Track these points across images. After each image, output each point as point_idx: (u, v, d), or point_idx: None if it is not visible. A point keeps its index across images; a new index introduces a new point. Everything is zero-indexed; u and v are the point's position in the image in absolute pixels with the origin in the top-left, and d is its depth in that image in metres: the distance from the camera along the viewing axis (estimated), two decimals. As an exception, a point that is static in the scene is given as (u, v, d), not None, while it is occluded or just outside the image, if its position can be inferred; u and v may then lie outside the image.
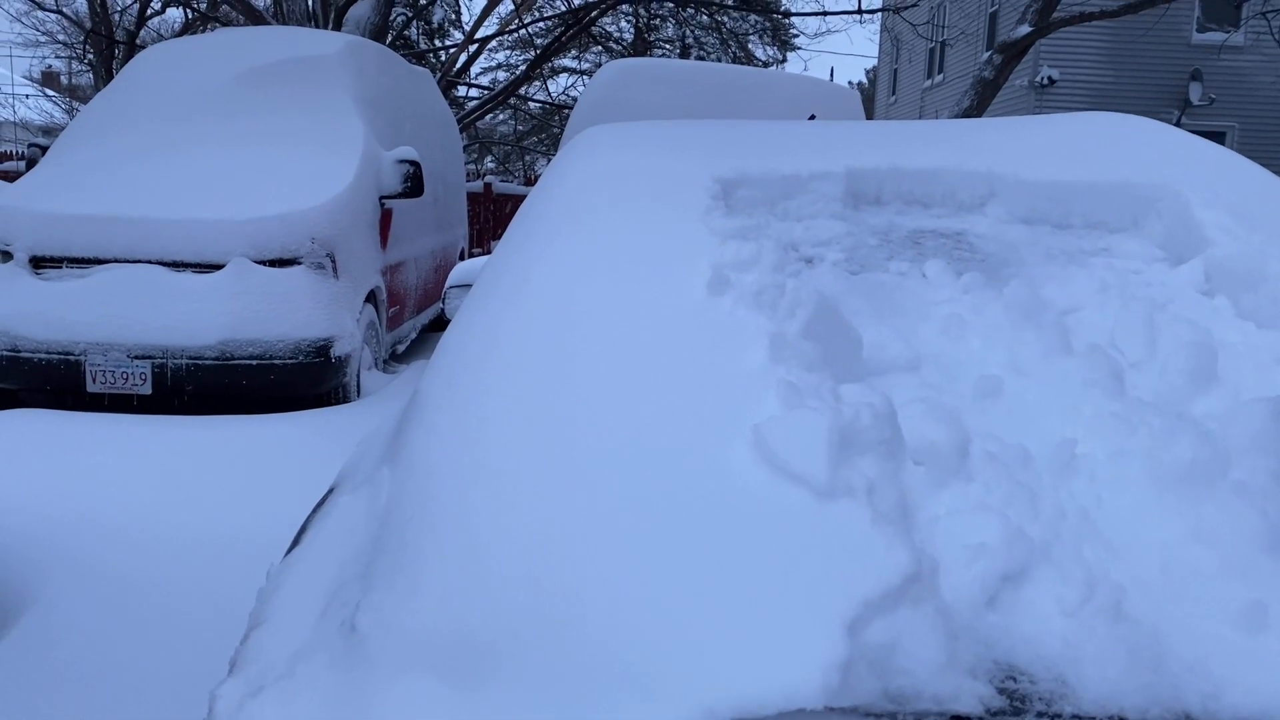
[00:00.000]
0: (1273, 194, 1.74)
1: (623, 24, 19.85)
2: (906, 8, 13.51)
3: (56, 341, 5.21)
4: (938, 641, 0.79)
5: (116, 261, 5.35)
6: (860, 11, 13.22)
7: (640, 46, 21.38)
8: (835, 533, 0.84)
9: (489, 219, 12.39)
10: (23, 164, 12.51)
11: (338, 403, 5.68)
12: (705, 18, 19.44)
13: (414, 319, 7.73)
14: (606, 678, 0.74)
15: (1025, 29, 10.56)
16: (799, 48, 20.69)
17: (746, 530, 0.85)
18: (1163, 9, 11.47)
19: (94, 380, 5.23)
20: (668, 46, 22.19)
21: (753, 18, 20.44)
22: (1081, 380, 1.22)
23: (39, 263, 5.41)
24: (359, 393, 5.91)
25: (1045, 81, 15.92)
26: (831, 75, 23.69)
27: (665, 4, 16.73)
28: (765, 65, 21.77)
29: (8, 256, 5.43)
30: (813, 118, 4.32)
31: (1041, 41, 12.65)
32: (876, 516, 0.87)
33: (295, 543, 1.33)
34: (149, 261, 5.35)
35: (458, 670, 0.77)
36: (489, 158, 23.75)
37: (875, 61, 28.29)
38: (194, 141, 5.92)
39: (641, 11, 18.22)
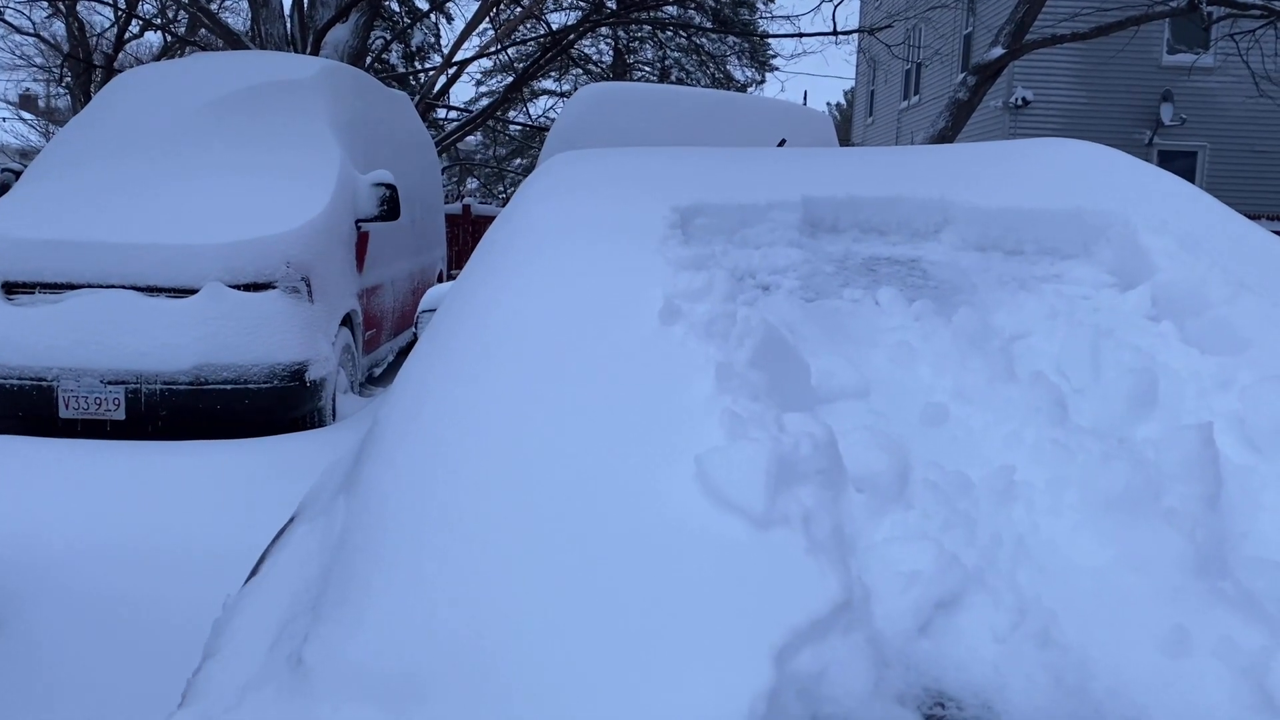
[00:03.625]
0: (1220, 222, 1.77)
1: (602, 46, 19.99)
2: (881, 29, 13.67)
3: (28, 367, 5.17)
4: (867, 669, 0.81)
5: (90, 286, 5.32)
6: (835, 33, 13.37)
7: (620, 68, 21.51)
8: (769, 562, 0.86)
9: (468, 240, 12.42)
10: (-2, 188, 12.46)
11: (313, 427, 5.66)
12: (684, 39, 19.60)
13: (390, 342, 7.72)
14: (533, 712, 0.75)
15: (998, 51, 10.71)
16: (777, 68, 20.84)
17: (683, 562, 0.87)
18: (1133, 31, 11.65)
19: (66, 406, 5.19)
20: (647, 68, 22.33)
21: (730, 39, 20.61)
22: (1025, 407, 1.25)
23: (11, 288, 5.37)
24: (334, 417, 5.90)
25: (1019, 102, 16.12)
26: (805, 99, 23.90)
27: (644, 27, 16.86)
28: (744, 86, 21.93)
29: (-21, 282, 5.40)
30: (783, 142, 4.36)
31: (1016, 63, 12.83)
32: (811, 545, 0.89)
33: (254, 572, 1.34)
34: (122, 286, 5.32)
35: (395, 700, 0.78)
36: (471, 179, 23.81)
37: (853, 83, 28.57)
38: (168, 166, 5.92)
39: (620, 34, 18.35)
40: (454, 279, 6.98)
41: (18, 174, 6.52)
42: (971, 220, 1.72)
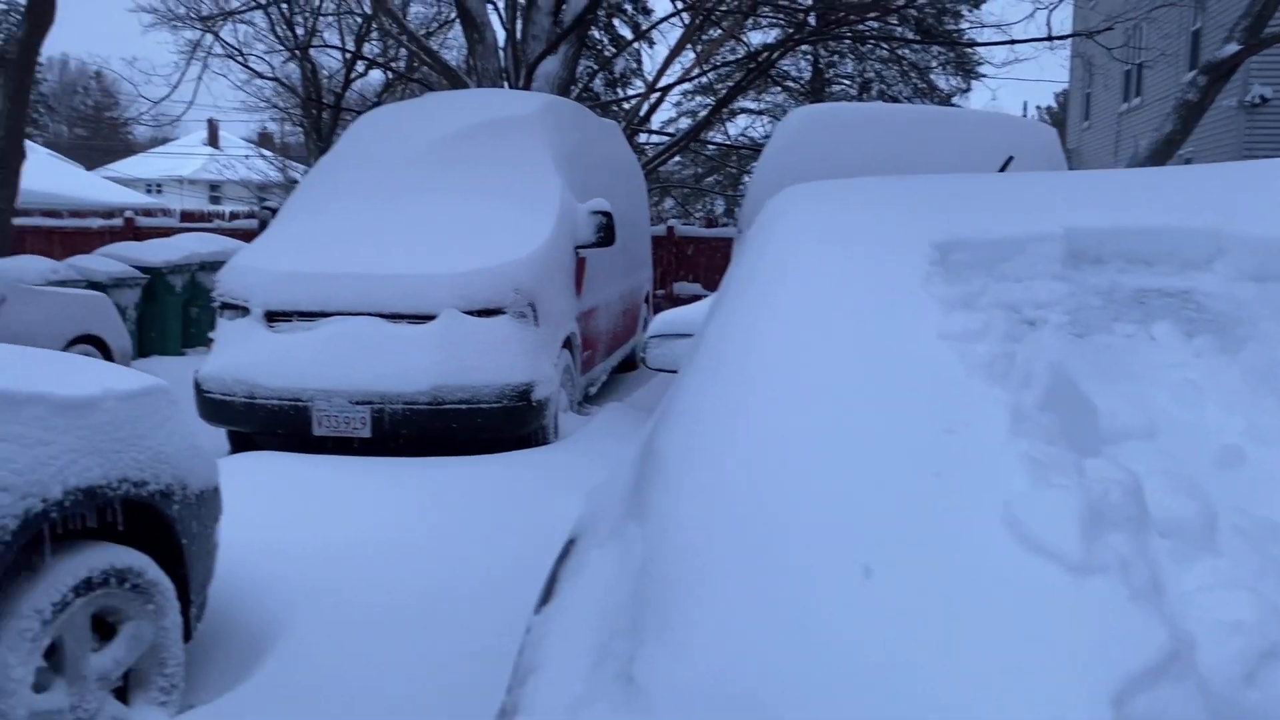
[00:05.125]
0: None
1: (801, 63, 19.90)
2: (1099, 31, 13.01)
3: (288, 389, 5.65)
4: (1200, 717, 0.82)
5: (340, 314, 5.78)
6: (1051, 38, 12.81)
7: (818, 84, 21.34)
8: (1093, 608, 0.88)
9: (672, 261, 12.64)
10: (252, 221, 13.71)
11: (538, 444, 5.93)
12: (885, 51, 19.26)
13: (605, 361, 7.98)
14: None
15: (1233, 47, 9.99)
16: (984, 76, 20.13)
17: (1003, 603, 0.90)
18: (1394, 17, 10.60)
19: (320, 424, 5.64)
20: (846, 82, 22.03)
21: (935, 49, 20.09)
22: (1331, 450, 1.20)
23: (272, 316, 5.90)
24: (556, 434, 6.15)
25: (1257, 100, 14.94)
26: (1025, 110, 22.75)
27: (844, 41, 16.67)
28: (948, 96, 21.27)
29: (245, 311, 5.96)
30: (1010, 160, 4.25)
31: (1252, 59, 11.92)
32: (1132, 593, 0.90)
33: (548, 594, 1.45)
34: (369, 314, 5.75)
35: (721, 715, 0.85)
36: (668, 200, 24.18)
37: (1065, 85, 27.23)
38: (408, 201, 6.36)
39: (821, 50, 18.23)
40: (678, 302, 7.07)
41: (274, 211, 7.17)
42: (1248, 249, 1.65)
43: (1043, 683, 0.82)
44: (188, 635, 2.88)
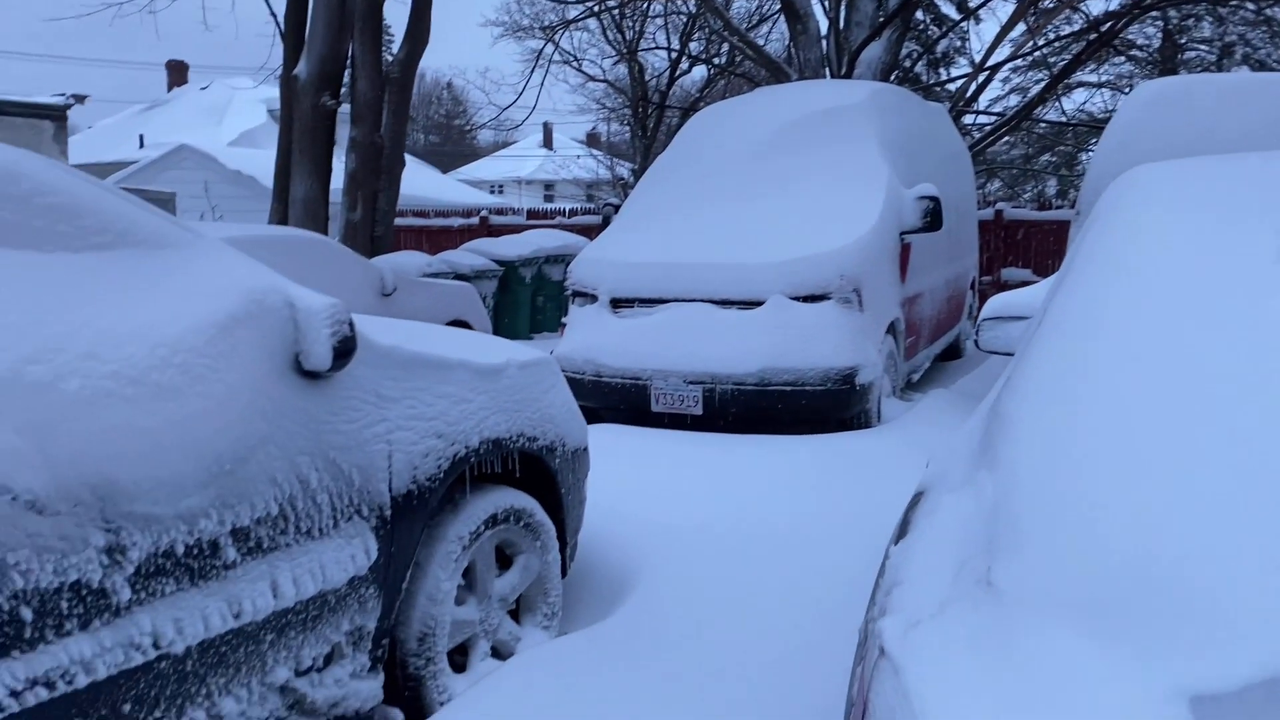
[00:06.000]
0: None
1: (1149, 29, 18.36)
2: None
3: (629, 369, 6.19)
4: None
5: (676, 301, 6.24)
6: None
7: (1169, 52, 19.60)
8: None
9: (999, 246, 12.22)
10: (590, 217, 14.80)
11: (859, 427, 6.08)
12: (1250, 11, 17.37)
13: (928, 348, 7.95)
14: (1193, 631, 0.94)
15: None
16: (1375, 30, 17.59)
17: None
18: None
19: (657, 401, 6.13)
20: (1203, 48, 20.05)
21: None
22: None
23: (616, 303, 6.46)
24: (879, 418, 6.26)
25: None
26: None
27: (1200, 2, 15.22)
28: (1328, 56, 18.82)
29: (593, 299, 6.57)
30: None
31: None
32: None
33: (902, 532, 1.67)
34: (701, 300, 6.17)
35: (1088, 622, 1.02)
36: (994, 181, 23.15)
37: None
38: (739, 193, 6.71)
39: (1171, 14, 16.75)
40: (1005, 288, 6.95)
41: (616, 208, 7.79)
42: None
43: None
44: (563, 572, 3.34)
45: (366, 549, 2.48)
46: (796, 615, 3.23)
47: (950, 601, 1.22)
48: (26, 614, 1.75)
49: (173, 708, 2.04)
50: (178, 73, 32.79)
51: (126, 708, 1.94)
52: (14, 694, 1.73)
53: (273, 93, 30.23)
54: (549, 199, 47.00)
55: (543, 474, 3.23)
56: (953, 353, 9.38)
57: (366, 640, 2.55)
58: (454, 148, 54.75)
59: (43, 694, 1.77)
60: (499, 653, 3.06)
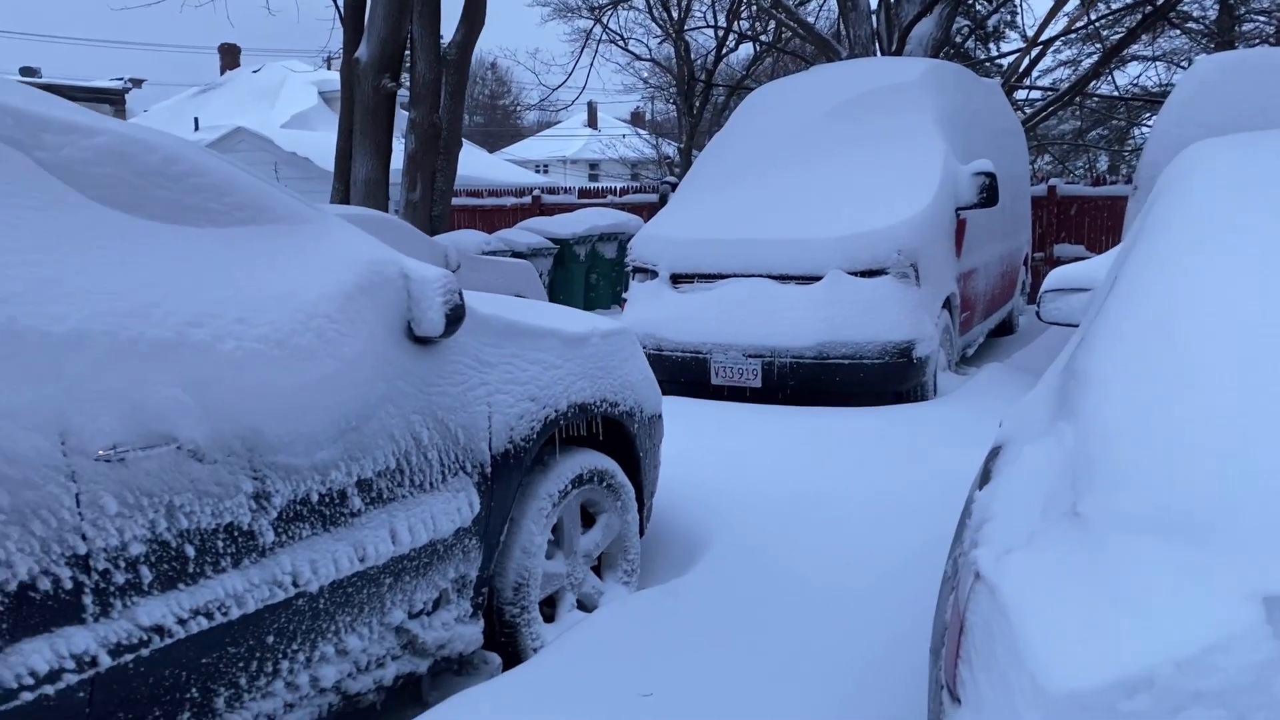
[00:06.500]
0: None
1: (1205, 1, 18.05)
2: None
3: (689, 343, 6.35)
4: None
5: (734, 276, 6.39)
6: None
7: (1227, 23, 19.25)
8: None
9: (1052, 222, 12.18)
10: (639, 195, 14.94)
11: (916, 400, 6.20)
12: (1310, -20, 17.04)
13: (982, 324, 8.02)
14: (1266, 543, 1.09)
15: None
16: None
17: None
18: None
19: (717, 375, 6.29)
20: (1261, 19, 19.66)
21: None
22: None
23: (676, 279, 6.62)
24: (935, 392, 6.37)
25: None
26: None
27: (1259, -27, 14.97)
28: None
29: (654, 274, 6.73)
30: None
31: None
32: None
33: (985, 480, 1.81)
34: (760, 275, 6.31)
35: (1169, 533, 1.17)
36: (1044, 156, 22.88)
37: None
38: (796, 169, 6.82)
39: (1229, -15, 16.47)
40: (1058, 264, 6.99)
41: (673, 186, 7.93)
42: None
43: None
44: (640, 531, 3.52)
45: (470, 502, 2.67)
46: (857, 576, 3.38)
47: (1039, 532, 1.37)
48: (190, 551, 1.96)
49: (307, 641, 2.25)
50: (230, 56, 33.31)
51: (270, 639, 2.15)
52: (180, 622, 1.94)
53: (324, 75, 30.69)
54: (594, 178, 47.10)
55: (623, 438, 3.40)
56: (1006, 328, 9.43)
57: (469, 588, 2.74)
58: (498, 128, 55.01)
59: (204, 623, 1.98)
60: (584, 605, 3.25)
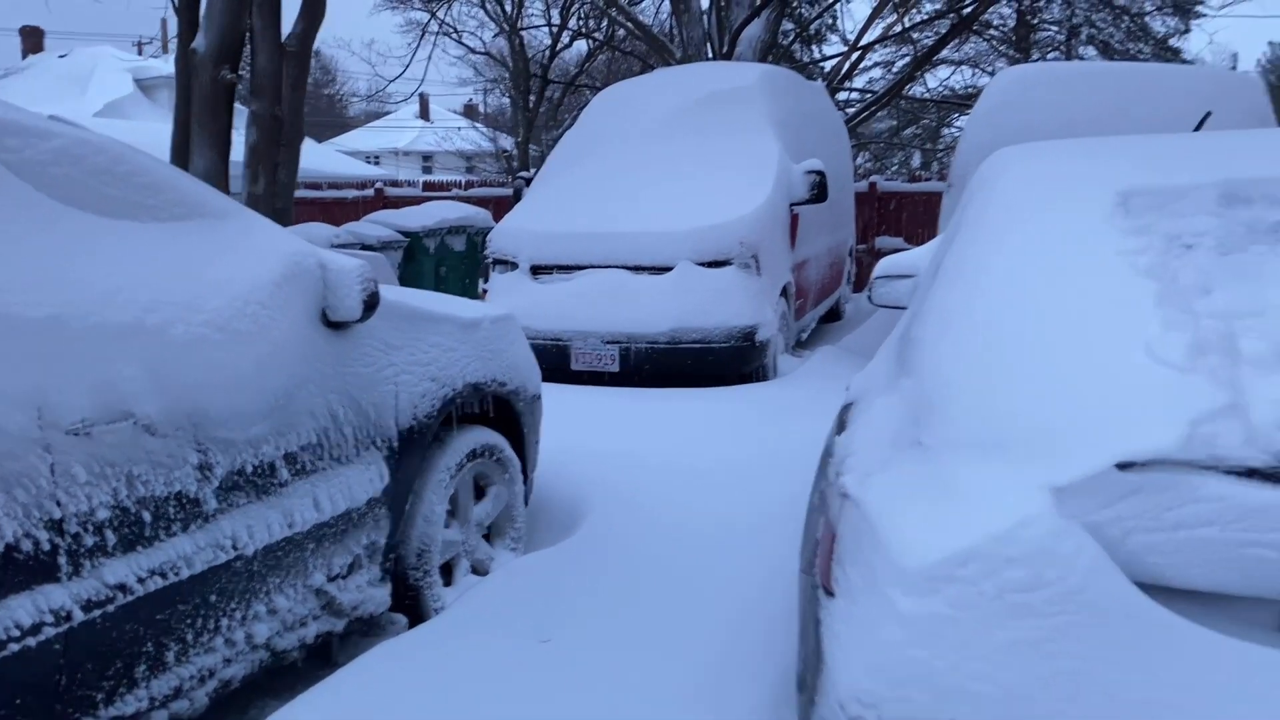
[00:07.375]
0: None
1: (1005, 10, 19.54)
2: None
3: (550, 331, 6.66)
4: (1243, 445, 1.46)
5: (592, 267, 6.73)
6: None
7: (1023, 31, 20.86)
8: (1188, 386, 1.55)
9: (874, 216, 13.05)
10: (487, 189, 15.08)
11: (759, 380, 6.70)
12: (1094, -5, 18.70)
13: (814, 310, 8.64)
14: (1053, 452, 1.52)
15: None
16: (1203, 15, 19.20)
17: (1136, 385, 1.58)
18: None
19: (577, 360, 6.62)
20: (1053, 28, 21.40)
21: (1149, -10, 19.32)
22: None
23: (536, 270, 6.92)
24: (775, 373, 6.90)
25: None
26: (1234, 63, 21.46)
27: (1050, -13, 16.38)
28: (1163, 40, 20.35)
29: (514, 266, 7.00)
30: (1207, 115, 4.62)
31: None
32: (1215, 382, 1.56)
33: (840, 428, 2.22)
34: (616, 266, 6.67)
35: (995, 454, 1.59)
36: (864, 154, 24.19)
37: (1298, 20, 25.34)
38: (646, 165, 7.23)
39: (1024, -2, 17.92)
40: (880, 256, 7.53)
41: (528, 181, 8.20)
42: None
43: (1146, 411, 1.51)
44: (525, 501, 3.82)
45: (380, 474, 2.91)
46: (730, 529, 3.79)
47: (891, 459, 1.78)
48: (147, 516, 2.15)
49: (244, 601, 2.46)
50: (33, 39, 31.25)
51: (213, 598, 2.35)
52: (140, 580, 2.13)
53: (139, 63, 29.19)
54: (427, 170, 46.43)
55: (509, 416, 3.69)
56: (834, 315, 10.14)
57: (379, 554, 2.99)
58: (324, 118, 53.41)
59: (159, 582, 2.18)
60: (477, 570, 3.53)
